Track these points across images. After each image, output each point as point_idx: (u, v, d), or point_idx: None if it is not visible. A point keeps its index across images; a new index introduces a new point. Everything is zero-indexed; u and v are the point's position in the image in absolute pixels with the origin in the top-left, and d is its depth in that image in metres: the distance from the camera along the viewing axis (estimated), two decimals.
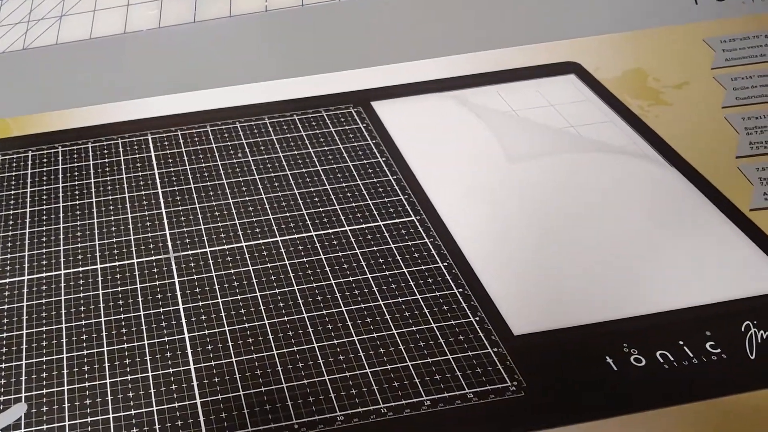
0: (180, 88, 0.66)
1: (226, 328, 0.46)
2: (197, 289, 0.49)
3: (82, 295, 0.49)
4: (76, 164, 0.59)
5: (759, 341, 0.44)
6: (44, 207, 0.55)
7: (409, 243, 0.51)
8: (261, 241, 0.52)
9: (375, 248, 0.51)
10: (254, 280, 0.49)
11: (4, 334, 0.47)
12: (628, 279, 0.48)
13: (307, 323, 0.46)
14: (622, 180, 0.55)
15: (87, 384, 0.44)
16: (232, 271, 0.50)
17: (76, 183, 0.57)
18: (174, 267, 0.50)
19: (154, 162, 0.59)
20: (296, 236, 0.52)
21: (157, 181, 0.57)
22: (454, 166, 0.57)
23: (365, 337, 0.45)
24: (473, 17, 0.70)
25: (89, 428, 0.42)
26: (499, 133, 0.60)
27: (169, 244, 0.52)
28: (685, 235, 0.51)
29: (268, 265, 0.50)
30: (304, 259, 0.50)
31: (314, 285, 0.49)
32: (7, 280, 0.50)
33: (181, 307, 0.48)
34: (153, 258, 0.51)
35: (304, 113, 0.63)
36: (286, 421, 0.42)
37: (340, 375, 0.44)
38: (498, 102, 0.63)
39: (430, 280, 0.49)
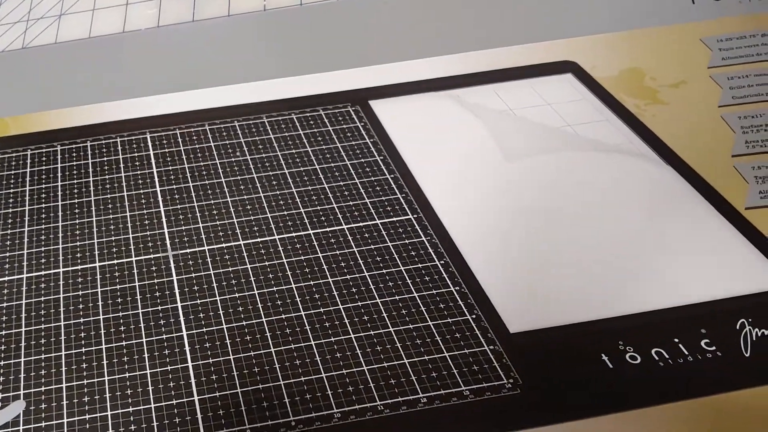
0: (178, 87, 0.66)
1: (224, 326, 0.46)
2: (195, 287, 0.49)
3: (80, 292, 0.49)
4: (74, 163, 0.59)
5: (754, 339, 0.44)
6: (43, 205, 0.56)
7: (406, 241, 0.51)
8: (259, 240, 0.52)
9: (372, 246, 0.51)
10: (252, 278, 0.49)
11: (3, 332, 0.47)
12: (624, 277, 0.48)
13: (305, 321, 0.46)
14: (619, 179, 0.55)
15: (85, 381, 0.44)
16: (230, 269, 0.50)
17: (75, 181, 0.57)
18: (172, 265, 0.50)
19: (153, 161, 0.59)
20: (294, 234, 0.52)
21: (156, 179, 0.57)
22: (451, 165, 0.57)
23: (362, 334, 0.46)
24: (470, 17, 0.70)
25: (87, 425, 0.42)
26: (496, 132, 0.60)
27: (168, 242, 0.52)
28: (680, 234, 0.51)
29: (266, 263, 0.50)
30: (302, 257, 0.50)
31: (312, 283, 0.49)
32: (6, 278, 0.50)
33: (179, 304, 0.48)
34: (151, 256, 0.51)
35: (302, 112, 0.63)
36: (284, 418, 0.42)
37: (337, 372, 0.44)
38: (495, 101, 0.63)
39: (426, 278, 0.49)
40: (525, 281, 0.48)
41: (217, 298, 0.48)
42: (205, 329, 0.46)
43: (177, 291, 0.49)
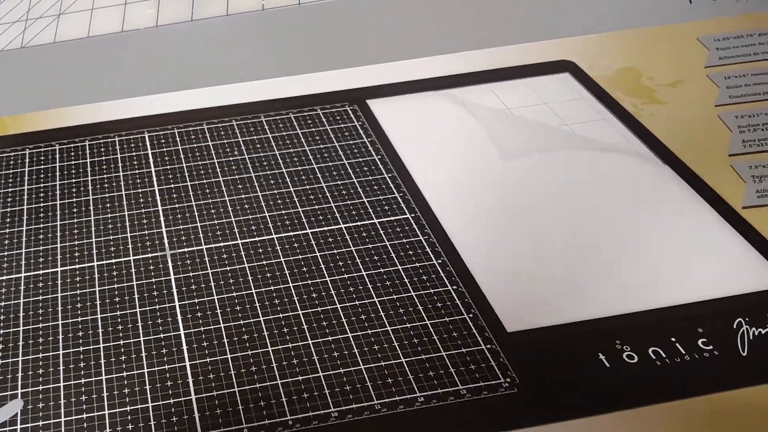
0: (177, 86, 0.66)
1: (222, 325, 0.46)
2: (193, 286, 0.49)
3: (78, 291, 0.49)
4: (73, 162, 0.59)
5: (751, 338, 0.44)
6: (41, 205, 0.56)
7: (404, 240, 0.51)
8: (256, 239, 0.52)
9: (370, 245, 0.51)
10: (249, 277, 0.49)
11: (1, 331, 0.47)
12: (621, 276, 0.48)
13: (302, 320, 0.47)
14: (616, 178, 0.55)
15: (83, 380, 0.44)
16: (228, 268, 0.50)
17: (73, 181, 0.57)
18: (170, 264, 0.51)
19: (151, 160, 0.59)
20: (291, 234, 0.52)
21: (154, 178, 0.57)
22: (449, 164, 0.57)
23: (359, 333, 0.46)
24: (468, 16, 0.71)
25: (85, 424, 0.42)
26: (493, 131, 0.60)
27: (165, 241, 0.52)
28: (677, 233, 0.51)
29: (264, 262, 0.50)
30: (299, 257, 0.51)
31: (309, 282, 0.49)
32: (4, 277, 0.50)
33: (176, 303, 0.48)
34: (149, 255, 0.51)
35: (300, 111, 0.63)
36: (280, 417, 0.42)
37: (334, 371, 0.44)
38: (493, 100, 0.63)
39: (424, 277, 0.49)
40: (522, 280, 0.48)
41: (215, 297, 0.48)
42: (202, 328, 0.46)
43: (174, 290, 0.49)
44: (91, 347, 0.46)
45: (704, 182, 0.54)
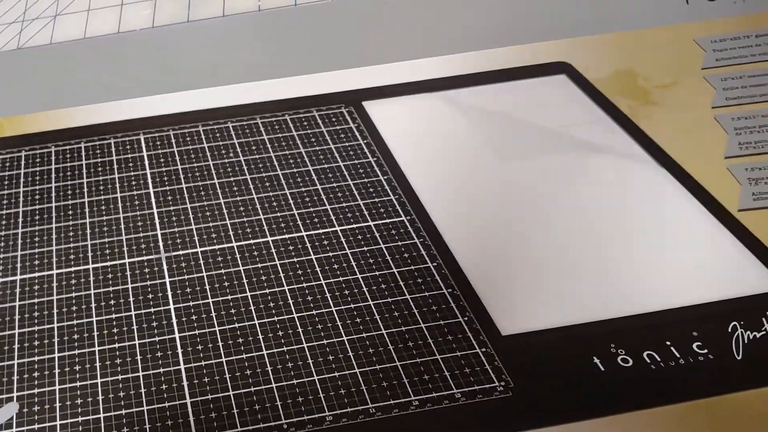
0: (173, 88, 0.66)
1: (216, 328, 0.46)
2: (188, 289, 0.49)
3: (73, 294, 0.49)
4: (68, 164, 0.59)
5: (746, 342, 0.44)
6: (37, 207, 0.56)
7: (399, 243, 0.51)
8: (252, 241, 0.52)
9: (365, 248, 0.51)
10: (245, 280, 0.49)
11: None
12: (616, 279, 0.48)
13: (297, 323, 0.47)
14: (612, 180, 0.55)
15: (78, 384, 0.44)
16: (223, 271, 0.50)
17: (69, 183, 0.57)
18: (165, 267, 0.51)
19: (146, 162, 0.59)
20: (287, 236, 0.52)
21: (149, 180, 0.57)
22: (445, 167, 0.57)
23: (354, 337, 0.46)
24: (464, 18, 0.70)
25: (80, 428, 0.42)
26: (490, 133, 0.60)
27: (161, 244, 0.52)
28: (673, 236, 0.51)
29: (259, 265, 0.50)
30: (295, 259, 0.51)
31: (304, 285, 0.49)
32: None
33: (171, 307, 0.48)
34: (144, 258, 0.51)
35: (296, 113, 0.63)
36: (275, 420, 0.42)
37: (329, 375, 0.44)
38: (489, 102, 0.63)
39: (419, 281, 0.49)
40: (517, 284, 0.49)
41: (210, 300, 0.48)
42: (197, 331, 0.46)
43: (170, 293, 0.49)
44: (86, 350, 0.46)
45: (700, 185, 0.54)
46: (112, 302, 0.48)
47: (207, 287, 0.49)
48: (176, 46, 0.71)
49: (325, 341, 0.45)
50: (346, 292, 0.48)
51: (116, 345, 0.46)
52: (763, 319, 0.45)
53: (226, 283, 0.49)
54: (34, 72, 0.70)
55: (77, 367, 0.45)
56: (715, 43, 0.65)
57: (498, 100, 0.63)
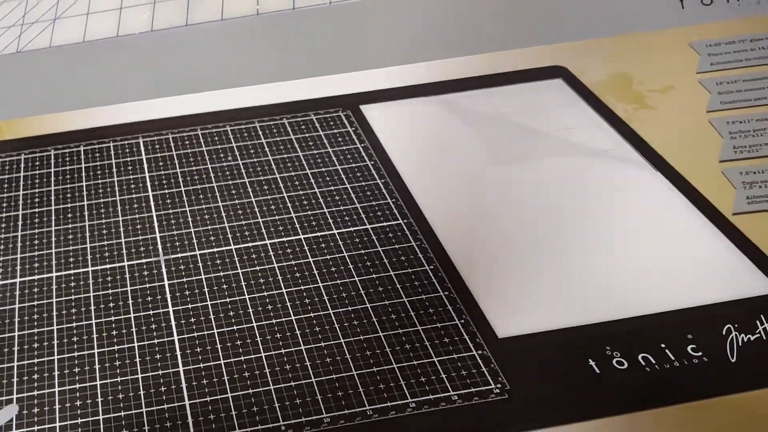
0: (171, 92, 0.66)
1: (215, 331, 0.47)
2: (187, 292, 0.49)
3: (73, 297, 0.49)
4: (68, 167, 0.59)
5: (740, 344, 0.45)
6: (36, 210, 0.56)
7: (396, 246, 0.52)
8: (250, 244, 0.52)
9: (362, 251, 0.51)
10: (243, 283, 0.50)
11: None
12: (612, 282, 0.49)
13: (295, 326, 0.47)
14: (607, 184, 0.56)
15: (78, 386, 0.44)
16: (221, 273, 0.50)
17: (68, 186, 0.58)
18: (164, 270, 0.51)
19: (145, 165, 0.59)
20: (285, 239, 0.52)
21: (148, 184, 0.57)
22: (442, 170, 0.58)
23: (352, 339, 0.46)
24: (461, 22, 0.71)
25: (80, 429, 0.42)
26: (486, 137, 0.60)
27: (159, 247, 0.52)
28: (668, 239, 0.51)
29: (257, 267, 0.51)
30: (293, 262, 0.51)
31: (302, 288, 0.49)
32: None
33: (170, 309, 0.48)
34: (143, 261, 0.51)
35: (294, 117, 0.63)
36: (273, 422, 0.42)
37: (326, 377, 0.44)
38: (485, 106, 0.63)
39: (416, 283, 0.49)
40: (513, 286, 0.49)
41: (208, 302, 0.48)
42: (196, 333, 0.47)
43: (168, 295, 0.49)
44: (85, 352, 0.46)
45: (695, 188, 0.54)
46: (112, 305, 0.49)
47: (206, 290, 0.49)
48: (175, 50, 0.71)
49: (322, 343, 0.46)
50: (344, 294, 0.49)
51: (116, 347, 0.46)
52: (757, 322, 0.46)
53: (225, 286, 0.49)
54: (33, 75, 0.70)
55: (77, 369, 0.45)
56: (710, 47, 0.65)
57: (494, 104, 0.63)
